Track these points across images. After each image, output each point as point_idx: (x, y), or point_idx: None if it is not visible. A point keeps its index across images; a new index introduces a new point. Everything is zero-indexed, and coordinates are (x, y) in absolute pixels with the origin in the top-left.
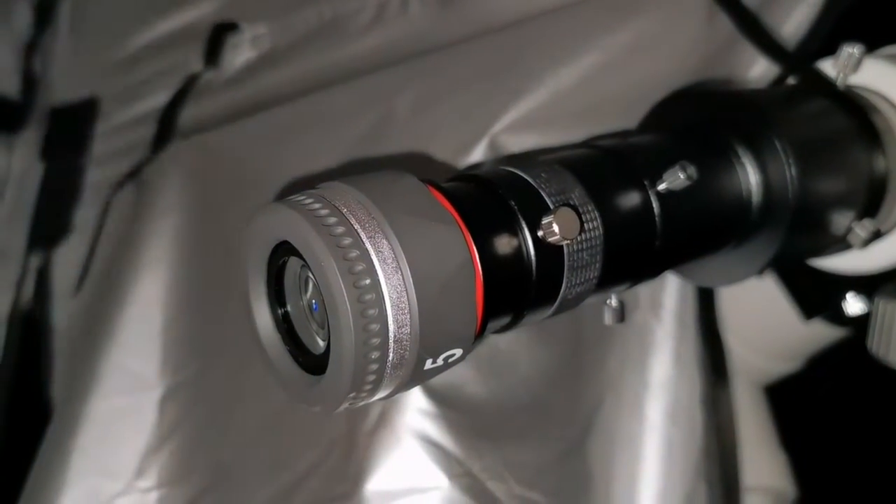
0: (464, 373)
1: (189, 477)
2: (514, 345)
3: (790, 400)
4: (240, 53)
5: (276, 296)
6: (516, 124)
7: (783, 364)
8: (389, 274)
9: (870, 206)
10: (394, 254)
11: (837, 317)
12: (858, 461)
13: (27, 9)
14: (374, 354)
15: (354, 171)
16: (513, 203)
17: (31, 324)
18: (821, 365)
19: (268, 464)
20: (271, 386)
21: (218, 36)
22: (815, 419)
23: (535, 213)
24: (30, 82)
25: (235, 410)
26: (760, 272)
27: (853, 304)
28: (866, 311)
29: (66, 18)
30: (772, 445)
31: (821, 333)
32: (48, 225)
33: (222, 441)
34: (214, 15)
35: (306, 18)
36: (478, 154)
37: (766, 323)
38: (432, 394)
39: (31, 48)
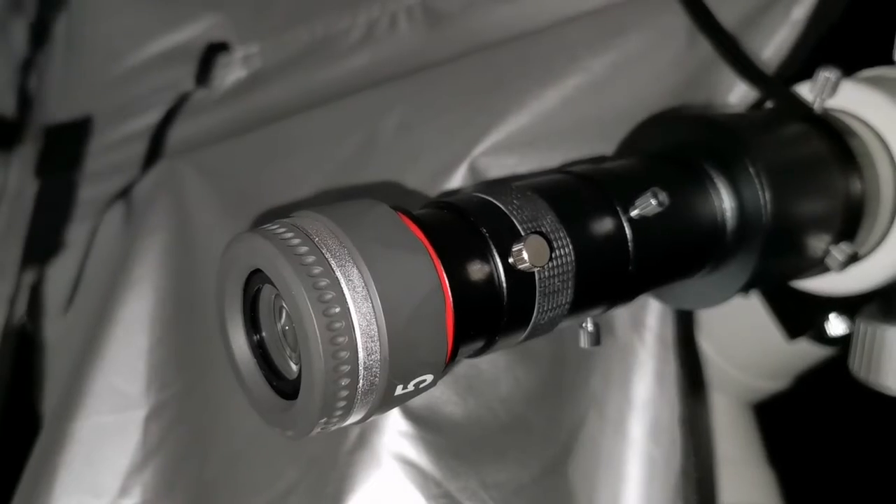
0: (443, 393)
1: (172, 495)
2: (494, 365)
3: (778, 417)
4: (230, 73)
5: (252, 322)
6: (497, 147)
7: (771, 382)
8: (359, 302)
9: (847, 230)
10: (363, 282)
11: (822, 337)
12: (847, 478)
13: (23, 27)
14: (344, 381)
15: (334, 196)
16: (484, 230)
17: (24, 340)
18: (808, 383)
19: (249, 482)
20: None
21: (210, 56)
22: (804, 436)
23: (507, 240)
24: (25, 100)
25: (218, 429)
26: (736, 295)
27: (836, 325)
28: (849, 331)
29: (62, 37)
30: (759, 463)
31: (807, 352)
32: (42, 241)
33: (205, 460)
34: (207, 34)
35: (298, 37)
36: (458, 177)
37: (752, 342)
38: (411, 415)
39: (27, 66)
